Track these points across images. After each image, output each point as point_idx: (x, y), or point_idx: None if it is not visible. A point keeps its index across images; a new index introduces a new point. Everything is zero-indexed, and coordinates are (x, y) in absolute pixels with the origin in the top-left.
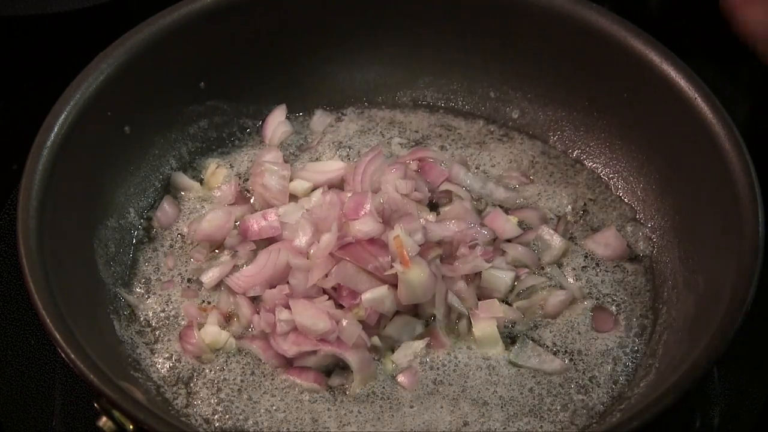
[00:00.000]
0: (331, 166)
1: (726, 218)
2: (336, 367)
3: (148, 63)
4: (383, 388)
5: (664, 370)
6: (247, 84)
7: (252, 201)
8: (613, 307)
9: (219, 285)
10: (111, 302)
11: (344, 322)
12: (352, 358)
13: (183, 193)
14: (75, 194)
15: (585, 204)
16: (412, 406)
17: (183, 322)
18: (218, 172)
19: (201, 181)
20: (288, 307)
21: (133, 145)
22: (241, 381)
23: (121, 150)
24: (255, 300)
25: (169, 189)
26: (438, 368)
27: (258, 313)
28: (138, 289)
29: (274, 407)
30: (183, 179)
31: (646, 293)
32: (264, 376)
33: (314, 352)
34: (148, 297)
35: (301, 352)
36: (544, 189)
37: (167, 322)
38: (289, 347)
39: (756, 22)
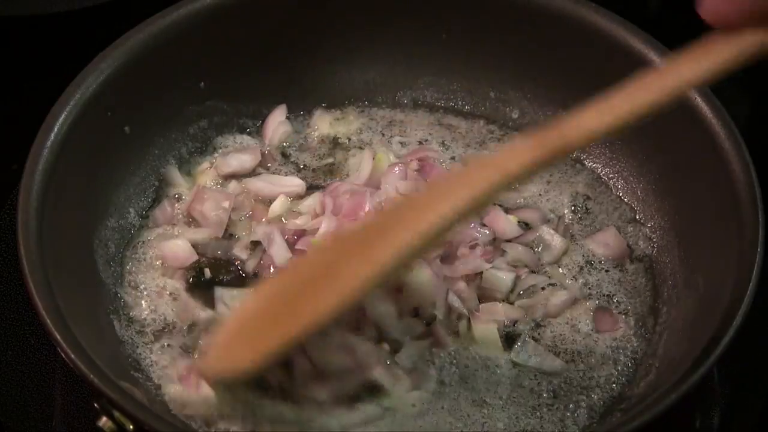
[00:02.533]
0: (288, 182)
1: (726, 218)
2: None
3: (147, 63)
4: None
5: (665, 370)
6: (247, 84)
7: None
8: (614, 307)
9: None
10: (111, 302)
11: (360, 349)
12: (380, 375)
13: (172, 189)
14: (75, 194)
15: (585, 204)
16: (413, 406)
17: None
18: (209, 173)
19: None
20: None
21: (133, 145)
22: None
23: (122, 150)
24: None
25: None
26: (439, 369)
27: None
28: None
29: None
30: (174, 174)
31: (646, 293)
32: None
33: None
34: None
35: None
36: (544, 189)
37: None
38: (319, 392)
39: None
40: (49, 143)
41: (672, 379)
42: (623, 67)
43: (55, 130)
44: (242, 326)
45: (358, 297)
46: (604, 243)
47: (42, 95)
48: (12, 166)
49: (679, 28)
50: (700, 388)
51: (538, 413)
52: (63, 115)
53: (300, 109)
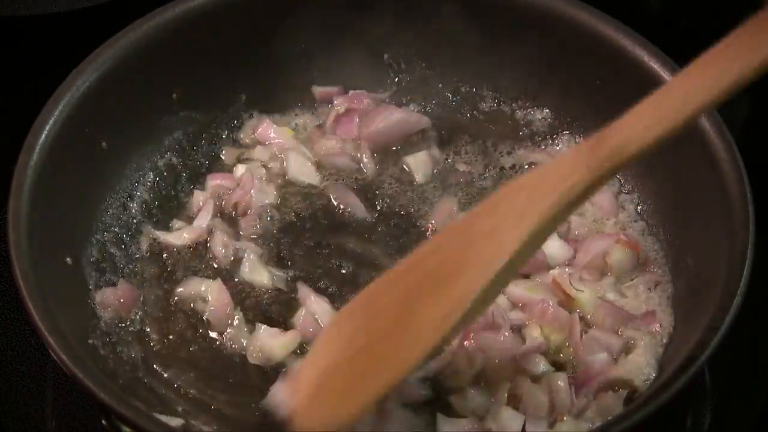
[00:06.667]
0: None
1: (713, 200)
2: None
3: (120, 77)
4: None
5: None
6: (218, 92)
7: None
8: None
9: None
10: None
11: None
12: None
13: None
14: (61, 214)
15: None
16: None
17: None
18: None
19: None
20: None
21: (111, 159)
22: None
23: (100, 165)
24: None
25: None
26: None
27: None
28: None
29: None
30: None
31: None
32: None
33: None
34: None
35: None
36: None
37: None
38: None
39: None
40: (32, 163)
41: (662, 379)
42: (612, 67)
43: (37, 149)
44: (322, 381)
45: (443, 340)
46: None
47: (43, 95)
48: (12, 166)
49: (680, 31)
50: (692, 387)
51: None
52: (44, 134)
53: (275, 117)
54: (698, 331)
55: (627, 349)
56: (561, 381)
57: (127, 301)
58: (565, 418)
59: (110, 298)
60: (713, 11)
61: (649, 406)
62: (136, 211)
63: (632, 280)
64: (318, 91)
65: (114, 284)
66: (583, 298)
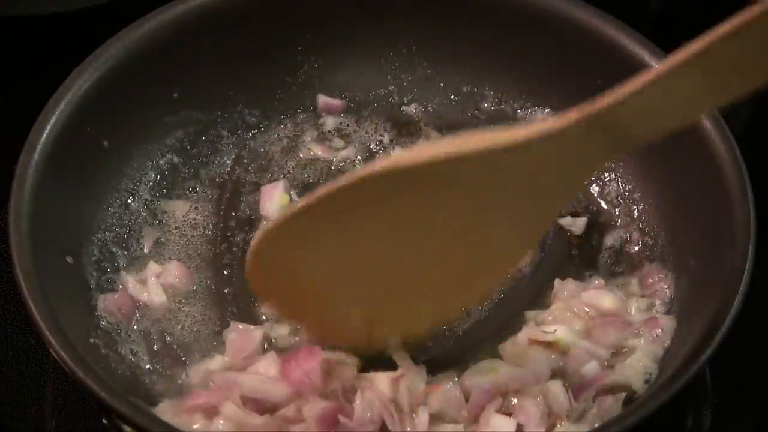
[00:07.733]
0: None
1: (713, 201)
2: None
3: (121, 76)
4: None
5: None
6: (219, 92)
7: None
8: None
9: None
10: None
11: None
12: None
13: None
14: (62, 214)
15: None
16: None
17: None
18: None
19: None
20: None
21: (112, 159)
22: None
23: (102, 165)
24: None
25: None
26: None
27: None
28: None
29: None
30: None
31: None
32: None
33: None
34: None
35: None
36: None
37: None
38: None
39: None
40: (33, 163)
41: (662, 379)
42: (613, 66)
43: (38, 149)
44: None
45: None
46: None
47: (43, 95)
48: (12, 166)
49: (681, 30)
50: (692, 387)
51: None
52: (45, 134)
53: (278, 117)
54: (698, 331)
55: (624, 352)
56: (555, 387)
57: (128, 309)
58: (563, 422)
59: (111, 306)
60: (713, 11)
61: (648, 407)
62: (137, 210)
63: (632, 281)
64: (322, 100)
65: (114, 287)
66: (562, 337)
